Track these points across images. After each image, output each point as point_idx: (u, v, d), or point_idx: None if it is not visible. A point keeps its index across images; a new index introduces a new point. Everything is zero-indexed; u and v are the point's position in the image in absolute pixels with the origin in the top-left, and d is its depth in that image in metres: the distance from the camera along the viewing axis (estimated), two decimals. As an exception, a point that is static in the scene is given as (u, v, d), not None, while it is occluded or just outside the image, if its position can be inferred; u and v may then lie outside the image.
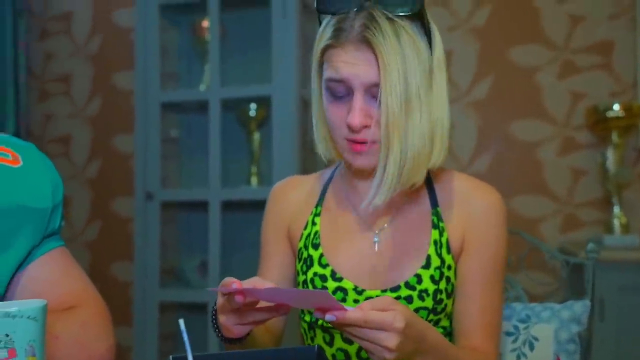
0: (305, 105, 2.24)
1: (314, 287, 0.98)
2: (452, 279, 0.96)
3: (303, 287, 1.00)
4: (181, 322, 0.63)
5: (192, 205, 2.53)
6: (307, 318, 1.01)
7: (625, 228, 2.06)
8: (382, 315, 0.69)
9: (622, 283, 1.80)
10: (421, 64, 0.88)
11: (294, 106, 2.19)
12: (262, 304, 0.78)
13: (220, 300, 0.80)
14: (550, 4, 2.29)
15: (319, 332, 1.00)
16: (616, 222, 2.07)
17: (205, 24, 2.41)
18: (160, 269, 2.37)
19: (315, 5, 0.92)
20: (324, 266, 0.98)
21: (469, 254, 0.96)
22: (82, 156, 2.81)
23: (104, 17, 2.78)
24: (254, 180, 2.43)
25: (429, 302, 0.93)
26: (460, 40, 2.36)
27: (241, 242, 2.42)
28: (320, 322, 0.98)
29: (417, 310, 0.93)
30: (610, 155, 2.09)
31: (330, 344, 0.99)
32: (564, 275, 1.37)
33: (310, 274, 0.99)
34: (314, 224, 1.03)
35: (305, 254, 1.01)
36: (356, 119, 0.88)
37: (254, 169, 2.44)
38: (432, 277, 0.94)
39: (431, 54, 0.91)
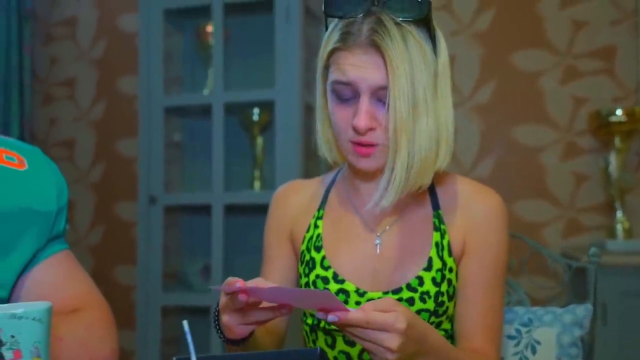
0: (308, 109, 2.25)
1: (316, 289, 0.98)
2: (454, 282, 0.97)
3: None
4: (185, 323, 0.63)
5: (195, 209, 2.54)
6: (309, 321, 1.01)
7: (628, 233, 2.07)
8: (384, 316, 0.70)
9: (625, 288, 1.80)
10: (427, 68, 0.89)
11: (297, 111, 2.20)
12: (265, 304, 0.78)
13: (223, 299, 0.80)
14: (553, 9, 2.30)
15: (320, 334, 1.00)
16: (619, 227, 2.07)
17: (209, 28, 2.42)
18: (163, 273, 2.38)
19: (323, 9, 0.93)
20: (326, 268, 0.99)
21: (470, 257, 0.97)
22: (86, 160, 2.82)
23: (108, 22, 2.80)
24: (256, 184, 2.44)
25: (430, 304, 0.94)
26: (463, 45, 2.37)
27: (244, 246, 2.43)
28: (322, 324, 0.99)
29: (418, 312, 0.93)
30: (613, 160, 2.10)
31: (332, 346, 0.99)
32: (566, 279, 1.37)
33: (312, 276, 0.99)
34: (316, 226, 1.04)
35: (307, 257, 1.02)
36: (362, 121, 0.89)
37: (256, 173, 2.45)
38: (433, 280, 0.94)
39: (436, 59, 0.92)
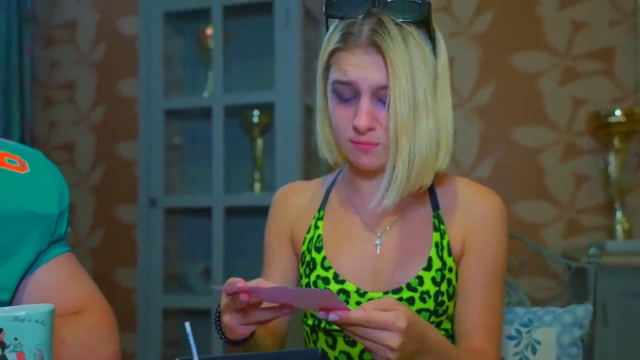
0: (308, 111, 2.25)
1: (317, 288, 0.99)
2: (454, 281, 0.97)
3: None
4: (187, 324, 0.64)
5: (196, 211, 2.54)
6: (310, 321, 1.02)
7: (628, 233, 2.07)
8: (385, 315, 0.70)
9: (625, 288, 1.80)
10: (427, 69, 0.90)
11: (297, 112, 2.20)
12: (266, 304, 0.79)
13: (224, 300, 0.80)
14: (552, 11, 2.31)
15: (321, 335, 1.01)
16: (619, 228, 2.07)
17: (209, 31, 2.43)
18: (163, 275, 2.38)
19: (323, 10, 0.94)
20: (327, 269, 0.99)
21: (470, 257, 0.97)
22: (86, 163, 2.83)
23: (108, 25, 2.81)
24: (257, 186, 2.44)
25: (430, 304, 0.94)
26: (462, 47, 2.38)
27: (244, 248, 2.43)
28: (323, 325, 0.99)
29: (418, 311, 0.94)
30: (612, 161, 2.10)
31: (333, 346, 1.00)
32: (566, 279, 1.38)
33: (313, 277, 1.00)
34: (316, 227, 1.04)
35: (308, 258, 1.02)
36: (362, 121, 0.89)
37: (257, 175, 2.45)
38: (433, 279, 0.95)
39: (436, 60, 0.92)
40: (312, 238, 1.04)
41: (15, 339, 0.60)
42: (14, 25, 2.72)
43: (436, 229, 0.98)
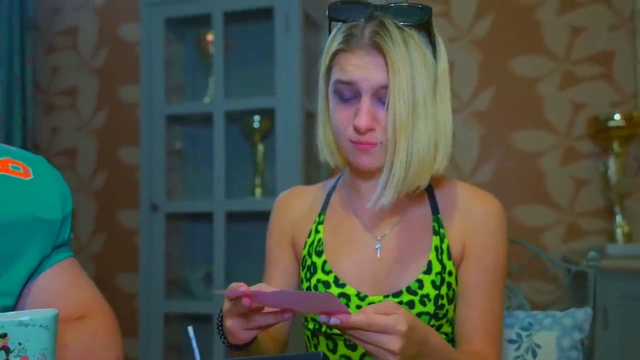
0: (308, 116, 2.26)
1: (318, 291, 0.99)
2: (453, 285, 0.98)
3: None
4: (190, 329, 0.64)
5: (197, 216, 2.55)
6: (310, 326, 1.02)
7: (628, 237, 2.07)
8: (385, 319, 0.71)
9: (625, 292, 1.80)
10: (428, 72, 0.91)
11: (298, 118, 2.21)
12: (268, 309, 0.80)
13: (226, 304, 0.81)
14: (551, 15, 2.32)
15: (322, 339, 1.01)
16: (619, 231, 2.08)
17: (210, 37, 2.44)
18: (165, 280, 2.39)
19: (327, 14, 0.95)
20: (327, 273, 1.00)
21: (470, 260, 0.98)
22: (88, 168, 2.84)
23: (109, 31, 2.82)
24: (258, 191, 2.45)
25: (430, 307, 0.95)
26: (462, 52, 2.39)
27: (245, 252, 2.44)
28: (323, 329, 1.00)
29: (418, 315, 0.94)
30: (612, 165, 2.11)
31: (334, 351, 1.00)
32: (565, 283, 1.38)
33: (313, 281, 1.01)
34: (317, 231, 1.05)
35: (308, 262, 1.03)
36: (363, 121, 0.90)
37: (258, 180, 2.46)
38: (433, 283, 0.95)
39: (436, 64, 0.94)
40: (312, 242, 1.04)
41: (20, 343, 0.61)
42: (16, 32, 2.73)
43: (436, 232, 0.99)
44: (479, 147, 2.37)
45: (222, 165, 2.31)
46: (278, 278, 1.08)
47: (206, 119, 2.42)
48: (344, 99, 0.94)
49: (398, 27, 0.90)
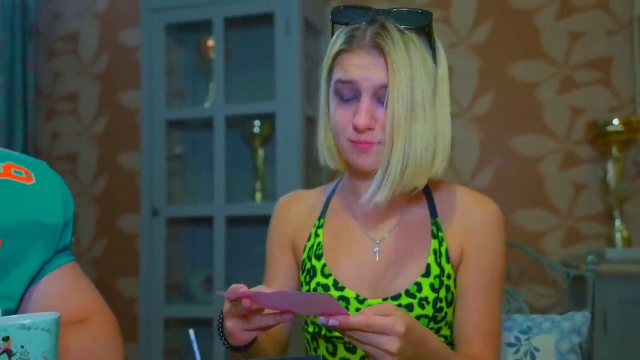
0: (308, 121, 2.27)
1: (317, 292, 1.00)
2: (452, 288, 0.98)
3: None
4: (191, 331, 0.65)
5: (197, 221, 2.55)
6: (310, 329, 1.03)
7: (627, 241, 2.08)
8: (384, 320, 0.72)
9: (625, 296, 1.81)
10: (427, 76, 0.92)
11: (298, 122, 2.22)
12: (268, 310, 0.80)
13: (227, 305, 0.82)
14: (550, 21, 2.33)
15: (322, 342, 1.02)
16: (618, 236, 2.08)
17: (210, 42, 2.45)
18: (165, 285, 2.39)
19: (330, 17, 0.97)
20: (327, 276, 1.01)
21: (468, 263, 0.99)
22: (89, 173, 2.85)
23: (110, 37, 2.83)
24: (258, 195, 2.45)
25: (429, 310, 0.95)
26: (461, 57, 2.40)
27: (246, 257, 2.44)
28: (323, 332, 1.00)
29: (417, 318, 0.95)
30: (611, 169, 2.11)
31: (334, 354, 1.01)
32: (565, 287, 1.38)
33: (313, 284, 1.01)
34: (316, 235, 1.06)
35: (308, 265, 1.04)
36: (362, 119, 0.92)
37: (258, 185, 2.46)
38: (431, 286, 0.96)
39: (436, 69, 0.95)
40: (312, 246, 1.05)
41: (22, 346, 0.61)
42: (17, 38, 2.74)
43: (434, 236, 1.00)
44: (479, 152, 2.38)
45: (222, 169, 2.32)
46: (278, 281, 1.09)
47: (206, 124, 2.42)
48: (344, 99, 0.95)
49: (399, 30, 0.92)
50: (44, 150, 2.90)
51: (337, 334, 0.98)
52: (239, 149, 2.50)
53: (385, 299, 0.97)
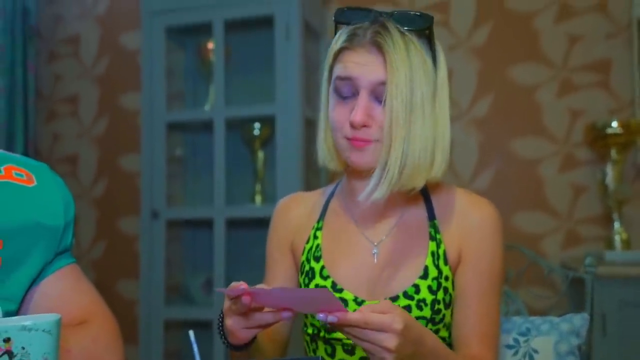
0: (308, 123, 2.28)
1: (315, 287, 1.01)
2: (450, 290, 0.99)
3: None
4: (191, 333, 0.65)
5: (197, 223, 2.56)
6: (310, 330, 1.03)
7: (627, 244, 2.08)
8: (382, 317, 0.73)
9: (624, 298, 1.81)
10: (427, 77, 0.93)
11: (298, 125, 2.23)
12: (267, 308, 0.81)
13: (227, 303, 0.83)
14: (549, 24, 2.34)
15: (320, 344, 1.02)
16: (617, 238, 2.08)
17: (211, 45, 2.46)
18: (165, 287, 2.39)
19: (333, 18, 0.99)
20: (325, 278, 1.01)
21: (466, 265, 0.99)
22: (89, 175, 2.85)
23: (111, 39, 2.84)
24: (258, 198, 2.46)
25: (427, 312, 0.96)
26: (461, 59, 2.40)
27: (245, 259, 2.44)
28: (322, 334, 1.01)
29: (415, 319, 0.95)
30: (610, 172, 2.12)
31: (332, 355, 1.01)
32: (564, 289, 1.39)
33: (312, 286, 1.02)
34: (315, 237, 1.06)
35: (307, 267, 1.04)
36: (358, 115, 0.93)
37: (258, 187, 2.47)
38: (429, 288, 0.97)
39: (436, 72, 0.96)
40: (311, 248, 1.06)
41: (23, 348, 0.61)
42: (18, 40, 2.75)
43: (432, 238, 1.00)
44: (478, 154, 2.38)
45: (222, 172, 2.32)
46: (278, 283, 1.10)
47: (207, 126, 2.43)
48: (342, 97, 0.97)
49: (400, 31, 0.93)
50: (45, 153, 2.90)
51: (335, 335, 0.98)
52: (239, 152, 2.51)
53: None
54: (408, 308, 0.96)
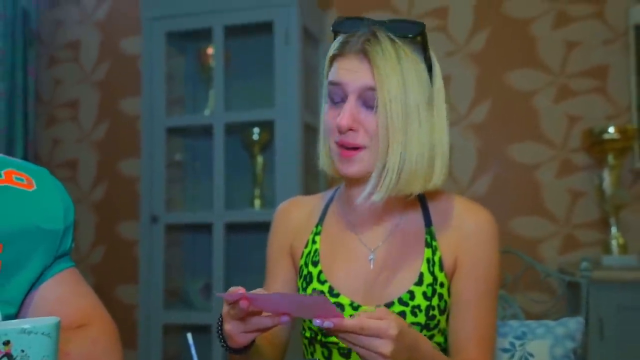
0: (307, 128, 2.29)
1: (313, 294, 1.01)
2: (445, 296, 0.99)
3: None
4: (189, 335, 0.66)
5: (197, 227, 2.56)
6: (308, 334, 1.04)
7: (624, 248, 2.09)
8: (377, 323, 0.74)
9: (621, 302, 1.82)
10: (420, 83, 0.95)
11: (297, 130, 2.24)
12: (266, 313, 0.82)
13: (225, 308, 0.83)
14: (546, 30, 2.35)
15: (318, 347, 1.03)
16: (614, 243, 2.09)
17: (210, 50, 2.47)
18: (164, 291, 2.39)
19: (331, 28, 1.02)
20: (323, 282, 1.02)
21: (462, 271, 1.00)
22: (89, 180, 2.86)
23: (111, 45, 2.85)
24: (257, 202, 2.46)
25: (421, 318, 0.97)
26: (459, 65, 2.42)
27: (245, 263, 2.45)
28: (319, 337, 1.02)
29: (410, 325, 0.96)
30: (607, 177, 2.13)
31: (329, 358, 1.02)
32: (560, 293, 1.40)
33: (309, 290, 1.03)
34: (314, 242, 1.07)
35: (305, 271, 1.05)
36: (344, 119, 0.94)
37: (257, 192, 2.48)
38: (424, 294, 0.97)
39: (431, 80, 0.97)
40: (309, 252, 1.06)
41: (22, 350, 0.61)
42: (18, 45, 2.76)
43: (428, 245, 1.01)
44: (476, 160, 2.39)
45: (221, 176, 2.33)
46: (278, 286, 1.11)
47: (206, 131, 2.44)
48: (334, 102, 0.99)
49: (390, 39, 0.95)
50: (45, 157, 2.91)
51: (332, 339, 0.99)
52: (238, 156, 2.52)
53: (378, 306, 0.98)
54: (403, 314, 0.96)
